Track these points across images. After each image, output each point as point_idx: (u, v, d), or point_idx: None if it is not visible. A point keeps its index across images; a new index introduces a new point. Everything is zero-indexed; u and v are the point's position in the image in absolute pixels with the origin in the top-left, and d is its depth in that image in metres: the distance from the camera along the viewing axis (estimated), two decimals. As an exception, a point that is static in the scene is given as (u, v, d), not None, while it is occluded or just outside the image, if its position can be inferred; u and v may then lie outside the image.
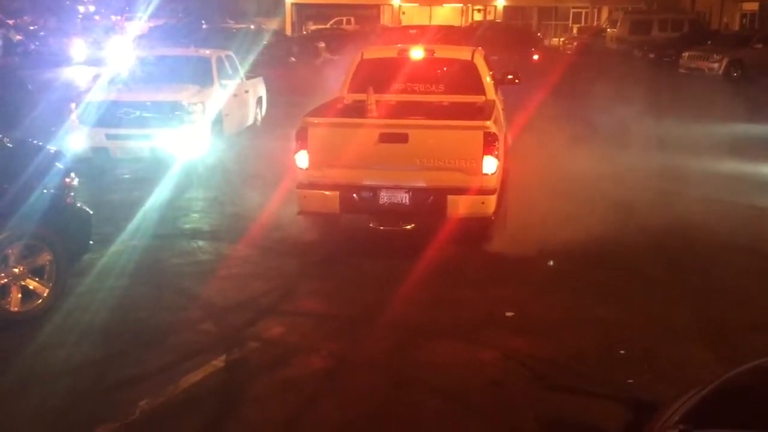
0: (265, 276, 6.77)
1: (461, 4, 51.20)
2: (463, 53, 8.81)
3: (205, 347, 5.32)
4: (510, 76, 9.55)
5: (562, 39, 44.47)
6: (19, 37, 30.64)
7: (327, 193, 7.07)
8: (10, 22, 36.98)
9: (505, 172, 7.53)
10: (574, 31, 47.72)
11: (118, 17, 46.96)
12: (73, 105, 11.12)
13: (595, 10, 50.53)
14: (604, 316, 5.88)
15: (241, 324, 5.74)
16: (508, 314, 5.91)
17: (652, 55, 31.76)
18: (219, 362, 5.09)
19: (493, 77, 8.71)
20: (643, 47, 32.91)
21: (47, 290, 5.74)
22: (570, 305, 6.10)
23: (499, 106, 8.09)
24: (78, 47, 30.36)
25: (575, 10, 51.03)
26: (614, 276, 6.79)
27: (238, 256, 7.33)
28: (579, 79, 21.82)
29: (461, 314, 5.92)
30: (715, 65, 26.23)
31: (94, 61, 27.27)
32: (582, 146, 11.95)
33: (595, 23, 48.40)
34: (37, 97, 14.29)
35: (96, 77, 12.04)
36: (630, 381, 4.82)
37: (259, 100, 14.31)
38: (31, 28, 36.47)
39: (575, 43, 39.36)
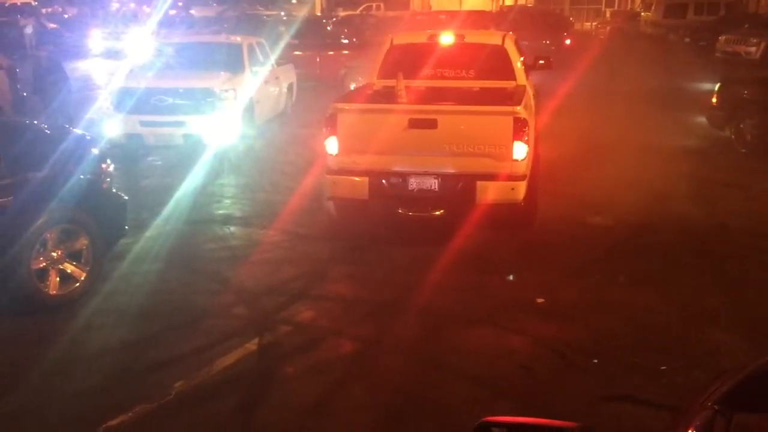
0: (296, 261, 6.85)
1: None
2: (493, 38, 8.76)
3: (237, 331, 5.41)
4: (541, 61, 9.47)
5: (594, 23, 43.82)
6: (53, 26, 30.92)
7: (356, 179, 7.10)
8: (44, 10, 37.42)
9: (535, 157, 7.50)
10: (607, 15, 46.97)
11: (131, 5, 46.94)
12: (107, 92, 11.29)
13: (629, -6, 49.71)
14: (635, 302, 5.85)
15: (272, 308, 5.83)
16: (539, 300, 5.91)
17: (687, 39, 31.15)
18: (252, 345, 5.18)
19: (524, 62, 8.65)
20: (678, 31, 32.30)
21: (84, 274, 5.88)
22: (601, 290, 6.08)
23: (529, 91, 8.04)
24: (95, 39, 29.09)
25: (608, -7, 50.25)
26: (646, 261, 6.74)
27: (269, 241, 7.41)
28: (612, 64, 21.52)
29: (491, 300, 5.93)
30: (753, 49, 25.63)
31: (113, 54, 26.43)
32: (616, 132, 11.85)
33: (628, 7, 47.58)
34: (74, 86, 14.51)
35: (130, 70, 12.17)
36: (663, 368, 4.80)
37: (290, 87, 14.38)
38: (66, 16, 36.76)
39: (608, 28, 38.77)
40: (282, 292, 6.14)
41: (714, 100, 11.74)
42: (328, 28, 23.57)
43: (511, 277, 6.49)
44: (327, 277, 6.57)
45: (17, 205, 5.41)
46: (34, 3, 39.07)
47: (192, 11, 42.70)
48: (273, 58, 13.41)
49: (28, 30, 25.82)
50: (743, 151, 10.99)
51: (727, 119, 11.45)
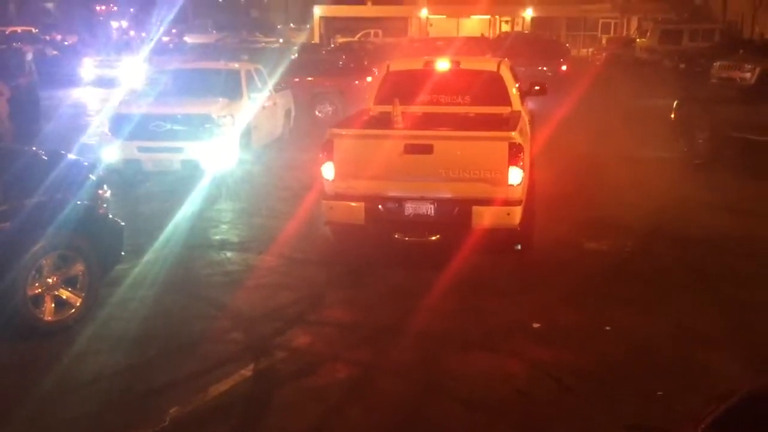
0: (293, 286, 6.85)
1: (489, 16, 51.25)
2: (488, 64, 8.84)
3: (233, 356, 5.39)
4: (537, 87, 9.57)
5: (590, 49, 44.22)
6: (54, 53, 31.11)
7: (353, 204, 7.13)
8: (45, 37, 37.73)
9: (531, 182, 7.54)
10: (603, 41, 47.43)
11: (130, 33, 47.04)
12: (104, 118, 11.36)
13: (625, 21, 50.24)
14: (632, 325, 5.85)
15: (269, 333, 5.81)
16: (535, 325, 5.90)
17: (682, 65, 31.38)
18: (247, 371, 5.16)
19: (519, 88, 8.73)
20: (673, 57, 32.56)
21: (80, 300, 5.87)
22: (597, 314, 6.08)
23: (525, 117, 8.11)
24: (87, 67, 28.06)
25: (604, 20, 50.79)
26: (642, 284, 6.76)
27: (265, 266, 7.42)
28: (608, 89, 21.71)
29: (487, 324, 5.93)
30: (747, 75, 25.84)
31: (106, 82, 25.89)
32: (610, 156, 11.97)
33: (624, 34, 48.07)
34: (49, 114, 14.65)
35: (127, 96, 12.32)
36: (660, 393, 4.78)
37: (287, 112, 14.47)
38: (66, 43, 37.01)
39: (604, 54, 39.08)
40: (278, 317, 6.13)
41: (672, 116, 13.12)
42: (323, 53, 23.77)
43: (506, 300, 6.49)
44: (324, 301, 6.56)
45: (14, 231, 5.40)
46: (34, 30, 39.45)
47: (186, 38, 43.12)
48: (271, 84, 13.51)
49: (29, 57, 25.99)
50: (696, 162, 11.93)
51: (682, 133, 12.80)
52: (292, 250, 7.79)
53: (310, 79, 17.76)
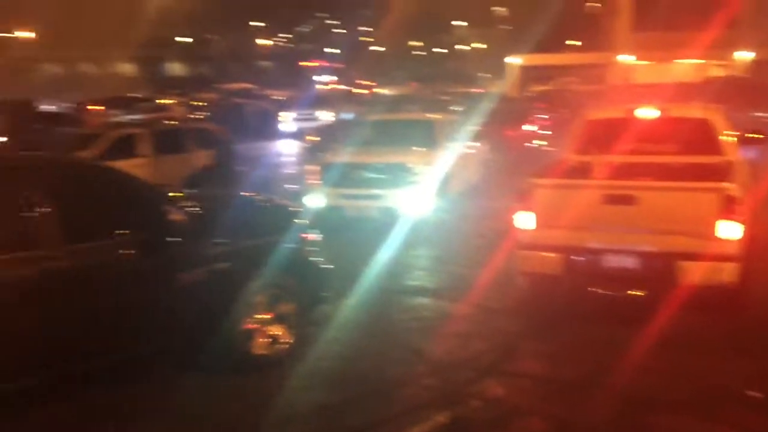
0: (486, 335, 6.84)
1: (698, 60, 48.53)
2: (695, 111, 8.41)
3: (428, 402, 5.47)
4: (754, 135, 8.89)
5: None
6: (265, 107, 33.65)
7: (549, 254, 7.02)
8: (267, 93, 40.84)
9: (750, 237, 6.98)
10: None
11: (331, 86, 49.34)
12: (312, 166, 12.21)
13: None
14: None
15: (463, 381, 5.84)
16: (750, 393, 5.42)
17: None
18: (442, 418, 5.20)
19: (733, 136, 8.19)
20: None
21: (288, 337, 6.26)
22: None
23: (739, 166, 7.58)
24: (286, 120, 29.49)
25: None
26: None
27: (459, 314, 7.48)
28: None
29: (694, 386, 5.53)
30: None
31: (302, 134, 25.88)
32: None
33: None
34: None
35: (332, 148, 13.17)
36: None
37: (482, 161, 14.62)
38: (276, 98, 39.61)
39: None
40: (472, 365, 6.14)
41: None
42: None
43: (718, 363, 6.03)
44: (518, 352, 6.49)
45: (234, 269, 5.92)
46: (251, 87, 43.24)
47: (385, 90, 45.00)
48: (466, 133, 13.74)
49: (248, 110, 28.70)
50: None
51: None
52: (486, 299, 7.79)
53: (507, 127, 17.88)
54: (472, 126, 14.68)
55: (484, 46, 74.42)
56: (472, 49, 77.07)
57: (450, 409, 5.33)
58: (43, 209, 4.93)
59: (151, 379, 5.92)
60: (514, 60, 51.06)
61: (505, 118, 18.87)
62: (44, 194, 4.98)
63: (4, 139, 17.99)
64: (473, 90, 38.52)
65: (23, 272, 4.82)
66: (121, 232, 5.32)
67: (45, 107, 29.03)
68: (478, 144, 14.39)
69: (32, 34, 58.27)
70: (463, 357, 6.33)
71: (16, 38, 59.29)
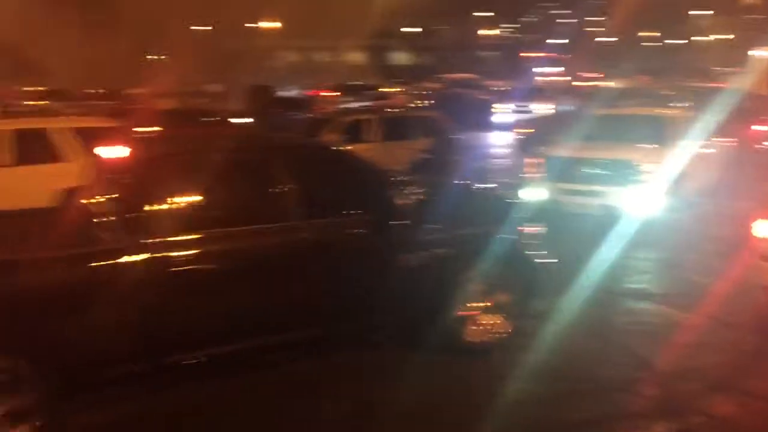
0: (717, 348, 6.34)
1: None
2: None
3: (646, 410, 5.24)
4: None
5: None
6: (484, 98, 33.22)
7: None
8: (484, 84, 40.67)
9: None
10: None
11: (550, 78, 47.33)
12: (531, 159, 12.01)
13: None
14: None
15: (684, 394, 5.49)
16: None
17: None
18: (659, 428, 4.95)
19: None
20: None
21: (506, 327, 6.27)
22: None
23: None
24: (499, 112, 28.51)
25: None
26: None
27: (687, 323, 6.99)
28: None
29: None
30: None
31: (517, 125, 24.66)
32: None
33: None
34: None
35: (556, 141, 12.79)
36: None
37: (723, 162, 13.44)
38: (496, 89, 38.94)
39: None
40: (697, 378, 5.74)
41: None
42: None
43: None
44: (753, 371, 5.95)
45: (452, 256, 6.02)
46: (473, 77, 43.33)
47: (599, 82, 42.82)
48: (703, 132, 12.72)
49: (467, 100, 28.74)
50: None
51: None
52: (719, 311, 7.19)
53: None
54: (711, 124, 13.58)
55: (731, 36, 68.06)
56: (715, 40, 71.06)
57: (670, 420, 5.06)
58: (292, 185, 5.44)
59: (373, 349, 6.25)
60: (762, 53, 46.42)
61: (749, 116, 17.21)
62: (293, 172, 5.50)
63: (251, 120, 19.54)
64: (710, 85, 35.55)
65: (280, 240, 5.36)
66: (352, 211, 5.64)
67: (282, 93, 31.28)
68: (718, 143, 13.26)
69: (278, 24, 63.40)
70: (687, 368, 5.92)
71: (260, 28, 64.82)
